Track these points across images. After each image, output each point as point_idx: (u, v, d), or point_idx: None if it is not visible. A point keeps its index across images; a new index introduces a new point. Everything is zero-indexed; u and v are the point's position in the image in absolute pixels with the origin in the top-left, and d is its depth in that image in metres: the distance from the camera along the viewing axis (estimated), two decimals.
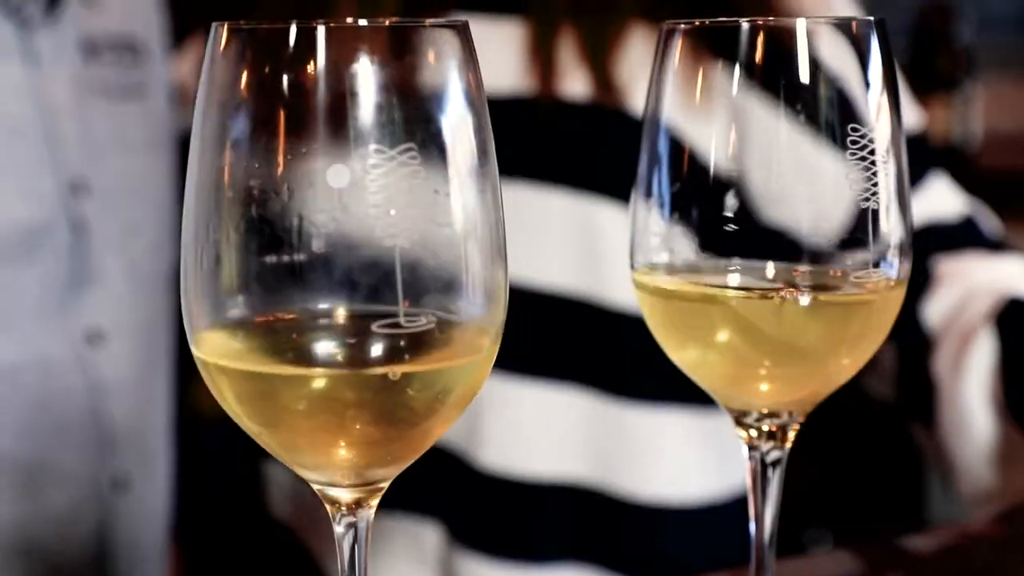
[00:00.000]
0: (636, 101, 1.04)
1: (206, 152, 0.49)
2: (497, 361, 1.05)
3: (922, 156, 1.09)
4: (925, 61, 2.64)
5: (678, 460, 1.09)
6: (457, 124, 0.50)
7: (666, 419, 1.07)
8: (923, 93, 2.49)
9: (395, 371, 0.49)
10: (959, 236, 1.06)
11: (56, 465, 1.10)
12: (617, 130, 1.04)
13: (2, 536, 1.09)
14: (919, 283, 1.03)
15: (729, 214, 0.59)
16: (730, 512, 1.13)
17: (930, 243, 1.05)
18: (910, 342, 1.03)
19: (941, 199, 1.08)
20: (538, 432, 1.07)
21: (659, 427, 1.07)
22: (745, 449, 0.61)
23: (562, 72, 1.05)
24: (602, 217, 1.04)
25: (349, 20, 0.48)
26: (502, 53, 1.07)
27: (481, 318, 0.51)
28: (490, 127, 0.52)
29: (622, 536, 1.09)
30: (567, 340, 1.06)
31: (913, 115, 1.11)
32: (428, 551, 1.10)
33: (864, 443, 2.29)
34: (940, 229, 1.06)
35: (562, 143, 1.06)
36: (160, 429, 1.20)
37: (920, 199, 1.06)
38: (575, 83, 1.05)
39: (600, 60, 1.04)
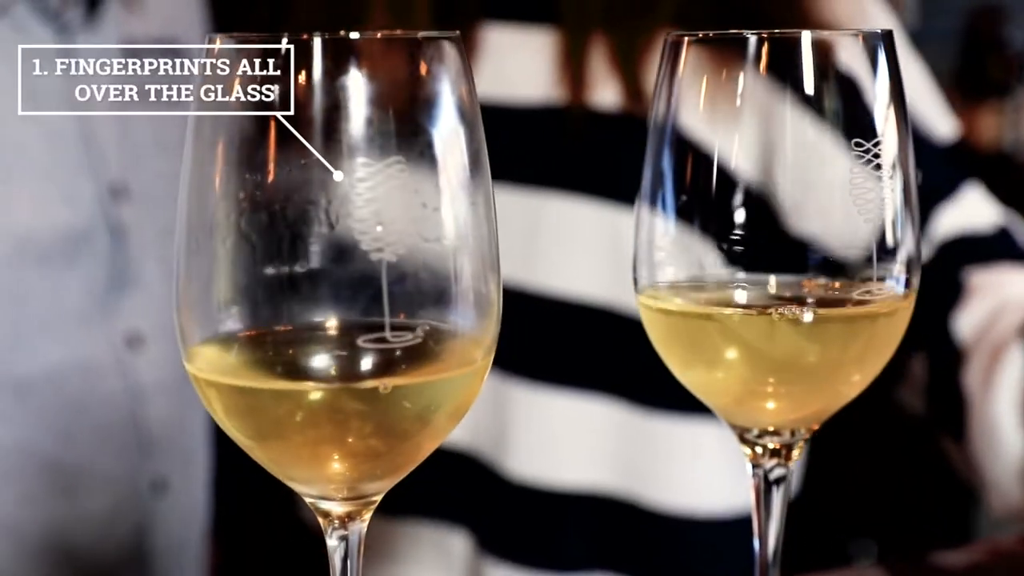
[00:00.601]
0: None
1: (197, 165, 0.50)
2: (526, 370, 1.05)
3: (957, 165, 1.07)
4: (975, 66, 2.60)
5: (707, 471, 1.08)
6: (448, 137, 0.50)
7: (695, 430, 1.06)
8: (973, 99, 2.45)
9: (386, 384, 0.49)
10: (993, 247, 1.04)
11: (96, 467, 1.12)
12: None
13: (43, 537, 1.10)
14: (951, 294, 1.02)
15: (752, 225, 0.59)
16: None
17: (963, 254, 1.03)
18: (941, 354, 1.01)
19: (975, 209, 1.06)
20: (566, 441, 1.07)
21: (688, 438, 1.06)
22: (749, 466, 0.61)
23: (593, 81, 1.05)
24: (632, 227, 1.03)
25: (342, 32, 0.48)
26: (533, 62, 1.07)
27: (473, 331, 0.51)
28: (484, 139, 0.51)
29: (650, 546, 1.08)
30: (596, 349, 1.06)
31: (947, 124, 1.10)
32: (456, 559, 1.10)
33: (914, 455, 2.27)
34: (973, 240, 1.04)
35: (592, 153, 1.06)
36: (198, 432, 1.21)
37: (954, 209, 1.05)
38: (606, 93, 1.05)
39: (631, 70, 1.04)
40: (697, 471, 1.08)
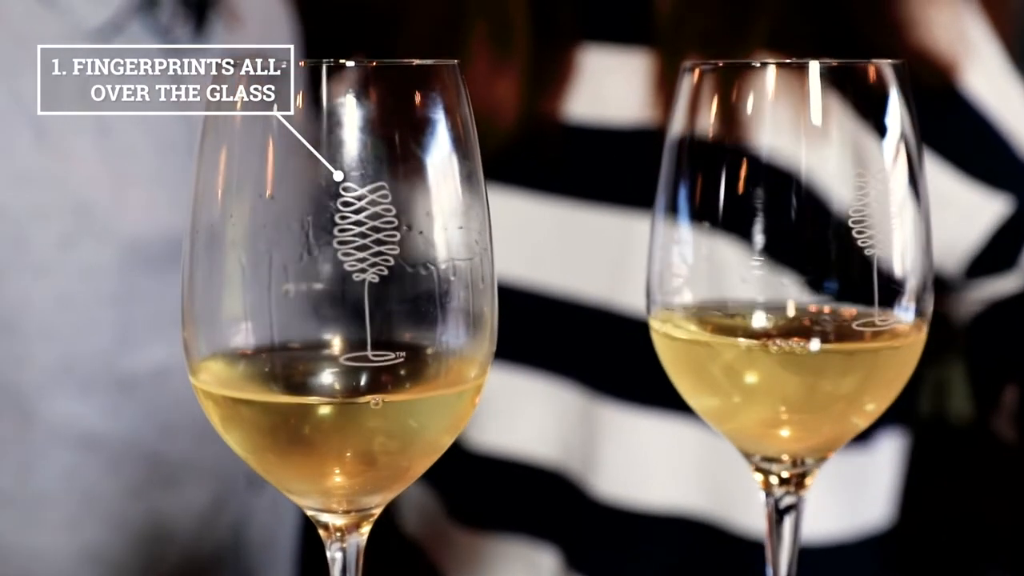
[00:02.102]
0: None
1: (200, 186, 0.52)
2: (615, 389, 1.06)
3: None
4: None
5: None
6: (440, 162, 0.51)
7: None
8: None
9: (376, 400, 0.50)
10: None
11: (196, 461, 1.16)
12: None
13: (144, 527, 1.15)
14: None
15: (775, 251, 0.59)
16: (856, 553, 1.11)
17: None
18: None
19: None
20: (654, 462, 1.07)
21: None
22: (761, 494, 0.61)
23: None
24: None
25: (341, 60, 0.50)
26: (628, 84, 1.08)
27: (466, 349, 0.52)
28: (479, 164, 0.52)
29: (736, 571, 1.07)
30: None
31: None
32: (544, 574, 1.11)
33: None
34: None
35: None
36: None
37: None
38: None
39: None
40: None
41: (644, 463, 1.07)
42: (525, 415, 1.11)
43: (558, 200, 1.08)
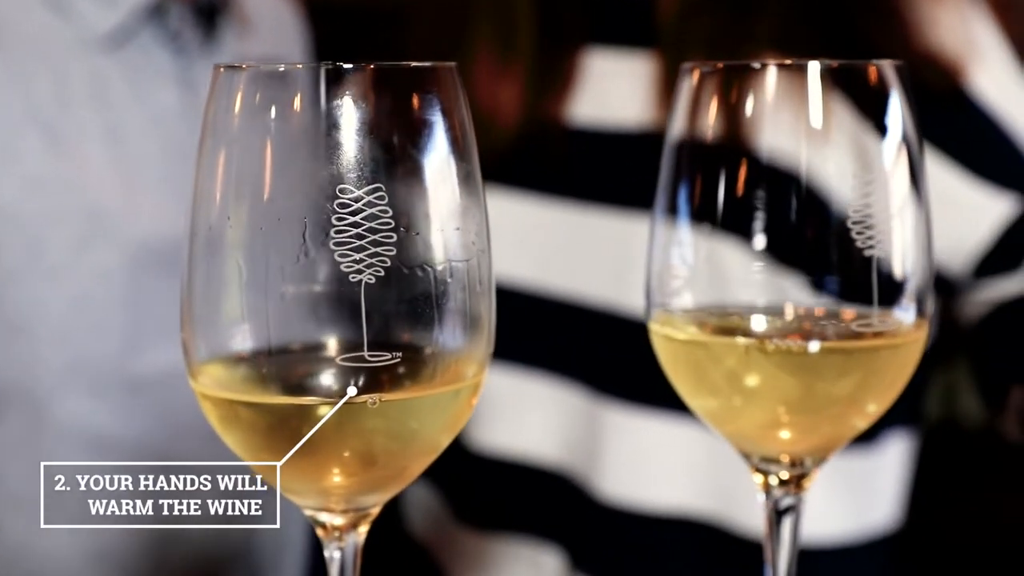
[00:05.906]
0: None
1: (199, 189, 0.53)
2: (619, 391, 1.06)
3: None
4: None
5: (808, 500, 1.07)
6: (437, 164, 0.51)
7: None
8: None
9: (373, 399, 0.50)
10: None
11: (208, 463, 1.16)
12: None
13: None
14: None
15: (774, 253, 0.59)
16: (862, 555, 1.10)
17: None
18: None
19: None
20: (658, 464, 1.07)
21: None
22: (761, 495, 0.61)
23: None
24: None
25: (339, 63, 0.50)
26: (631, 87, 1.08)
27: (462, 349, 0.52)
28: (477, 166, 0.53)
29: (741, 573, 1.07)
30: None
31: None
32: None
33: None
34: None
35: None
36: None
37: None
38: None
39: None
40: None
41: (648, 464, 1.07)
42: (530, 417, 1.11)
43: (562, 203, 1.08)
